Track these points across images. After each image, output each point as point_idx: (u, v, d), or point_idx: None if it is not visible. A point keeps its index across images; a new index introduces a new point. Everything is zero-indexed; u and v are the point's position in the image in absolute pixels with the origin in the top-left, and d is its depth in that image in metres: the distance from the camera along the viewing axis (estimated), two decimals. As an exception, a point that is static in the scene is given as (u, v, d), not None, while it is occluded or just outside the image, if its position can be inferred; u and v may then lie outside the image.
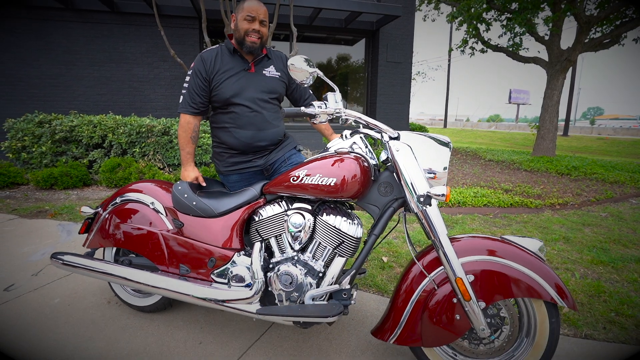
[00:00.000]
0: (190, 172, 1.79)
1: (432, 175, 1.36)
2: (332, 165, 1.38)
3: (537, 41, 7.84)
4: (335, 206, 1.49)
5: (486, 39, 8.62)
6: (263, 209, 1.56)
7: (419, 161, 1.35)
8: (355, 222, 1.45)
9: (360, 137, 1.50)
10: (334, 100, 1.34)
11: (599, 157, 8.94)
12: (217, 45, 1.82)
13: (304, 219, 1.44)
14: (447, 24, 11.29)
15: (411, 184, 1.32)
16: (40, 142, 5.09)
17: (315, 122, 1.37)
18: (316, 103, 1.34)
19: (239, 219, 1.60)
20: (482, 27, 8.37)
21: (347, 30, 7.71)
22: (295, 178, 1.43)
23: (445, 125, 33.53)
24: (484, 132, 26.70)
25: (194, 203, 1.64)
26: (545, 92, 7.82)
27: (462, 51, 9.05)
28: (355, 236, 1.42)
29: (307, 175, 1.41)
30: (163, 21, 5.76)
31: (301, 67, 1.35)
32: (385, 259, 2.59)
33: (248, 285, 1.52)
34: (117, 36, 6.40)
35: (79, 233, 1.94)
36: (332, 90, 1.39)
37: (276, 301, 1.48)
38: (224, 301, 1.51)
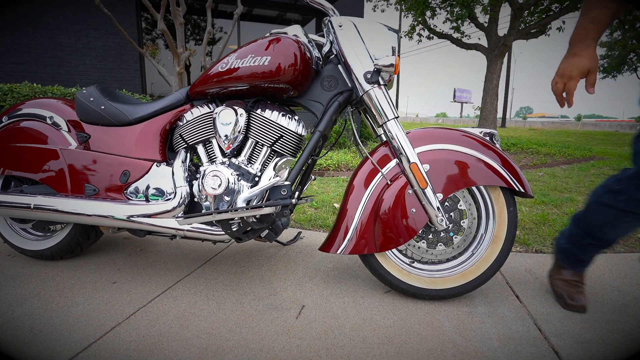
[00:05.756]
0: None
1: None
2: (267, 46, 1.18)
3: (477, 27, 8.30)
4: (273, 103, 1.29)
5: (432, 26, 8.97)
6: (189, 112, 1.31)
7: (365, 43, 1.19)
8: (296, 118, 1.26)
9: (302, 30, 1.31)
10: None
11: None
12: None
13: (236, 114, 1.21)
14: (396, 17, 11.60)
15: (356, 60, 1.16)
16: None
17: None
18: None
19: (159, 126, 1.33)
20: (428, 14, 8.69)
21: (297, 8, 7.52)
22: (225, 64, 1.21)
23: (396, 121, 34.69)
24: (433, 124, 28.24)
25: (102, 107, 1.34)
26: (485, 76, 8.31)
27: (410, 37, 9.37)
28: (296, 132, 1.23)
29: (237, 58, 1.19)
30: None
31: None
32: (337, 205, 2.43)
33: (169, 199, 1.26)
34: (34, -2, 5.60)
35: (-45, 170, 1.54)
36: None
37: (203, 211, 1.24)
38: (145, 216, 1.24)
